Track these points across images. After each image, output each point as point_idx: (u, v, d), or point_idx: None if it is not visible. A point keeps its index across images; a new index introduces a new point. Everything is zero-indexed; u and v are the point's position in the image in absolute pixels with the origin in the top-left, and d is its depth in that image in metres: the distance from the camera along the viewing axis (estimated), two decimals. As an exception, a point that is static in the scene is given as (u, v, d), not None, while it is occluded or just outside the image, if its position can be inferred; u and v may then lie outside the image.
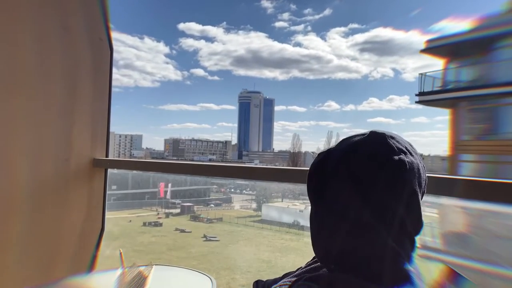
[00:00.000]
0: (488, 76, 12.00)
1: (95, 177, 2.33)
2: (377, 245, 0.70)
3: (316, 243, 0.78)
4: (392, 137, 0.75)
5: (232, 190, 28.31)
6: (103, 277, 1.72)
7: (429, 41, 13.84)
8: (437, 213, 7.41)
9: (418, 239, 0.75)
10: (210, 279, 1.59)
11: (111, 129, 2.45)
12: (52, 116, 2.11)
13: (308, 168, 0.79)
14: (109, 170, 2.39)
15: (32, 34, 2.01)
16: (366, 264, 0.70)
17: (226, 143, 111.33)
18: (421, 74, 13.59)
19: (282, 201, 23.19)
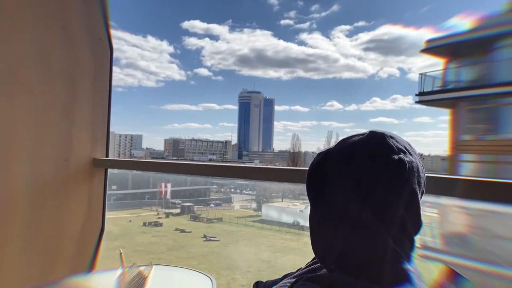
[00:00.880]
0: (488, 76, 12.00)
1: (95, 177, 2.33)
2: (377, 245, 0.70)
3: (316, 244, 0.78)
4: (392, 137, 0.74)
5: (232, 190, 28.29)
6: (103, 277, 1.72)
7: (429, 41, 13.83)
8: (437, 213, 7.41)
9: (418, 239, 0.75)
10: (210, 279, 1.60)
11: (111, 129, 2.45)
12: (52, 116, 2.11)
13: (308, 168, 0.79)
14: (109, 170, 2.40)
15: (32, 34, 2.01)
16: (366, 264, 0.70)
17: (226, 143, 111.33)
18: (421, 74, 13.61)
19: (282, 201, 23.17)
